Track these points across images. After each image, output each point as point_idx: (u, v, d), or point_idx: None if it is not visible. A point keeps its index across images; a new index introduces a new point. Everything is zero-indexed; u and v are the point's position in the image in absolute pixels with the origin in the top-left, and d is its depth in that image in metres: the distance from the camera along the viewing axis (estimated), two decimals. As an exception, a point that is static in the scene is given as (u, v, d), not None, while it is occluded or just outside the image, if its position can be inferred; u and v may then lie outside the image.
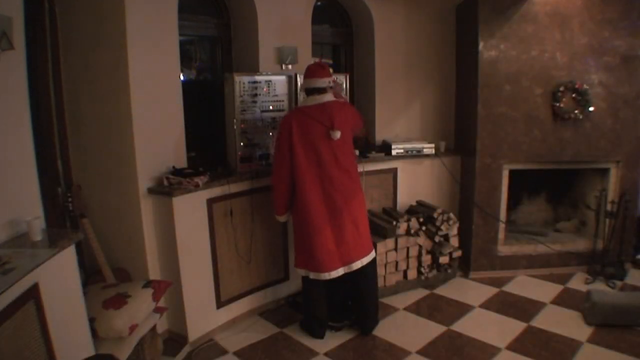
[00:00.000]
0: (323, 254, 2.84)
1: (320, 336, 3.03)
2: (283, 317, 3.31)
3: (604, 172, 3.90)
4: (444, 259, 3.72)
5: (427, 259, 3.70)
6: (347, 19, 4.17)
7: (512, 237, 4.07)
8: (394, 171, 3.95)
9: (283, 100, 3.29)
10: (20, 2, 1.98)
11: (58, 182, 2.80)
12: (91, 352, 2.12)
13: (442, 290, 3.70)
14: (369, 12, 3.93)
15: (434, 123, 4.35)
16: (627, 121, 3.73)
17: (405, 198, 4.04)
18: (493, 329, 3.09)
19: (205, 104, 3.46)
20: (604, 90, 3.69)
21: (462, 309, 3.39)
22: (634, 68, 3.65)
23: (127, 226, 2.87)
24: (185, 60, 3.41)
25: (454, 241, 3.80)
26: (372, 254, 3.02)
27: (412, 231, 3.61)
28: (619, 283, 3.65)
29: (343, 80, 3.51)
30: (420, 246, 3.65)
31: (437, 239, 3.71)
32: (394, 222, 3.52)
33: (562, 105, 3.66)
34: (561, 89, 3.64)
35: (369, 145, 3.94)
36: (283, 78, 3.28)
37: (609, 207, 3.83)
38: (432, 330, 3.11)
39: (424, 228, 3.69)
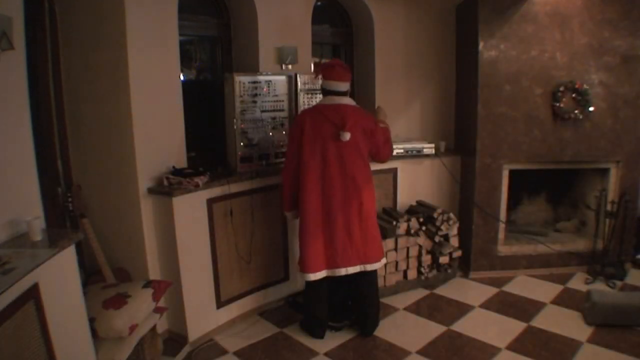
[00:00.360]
0: (310, 254, 2.84)
1: (320, 336, 3.03)
2: (283, 317, 3.31)
3: (604, 172, 3.90)
4: (444, 259, 3.72)
5: (427, 259, 3.70)
6: (347, 19, 4.17)
7: (512, 237, 4.07)
8: (394, 171, 3.95)
9: (283, 100, 3.29)
10: (20, 2, 1.98)
11: (58, 182, 2.80)
12: (91, 352, 2.12)
13: (442, 290, 3.70)
14: (369, 12, 3.93)
15: (434, 123, 4.35)
16: (627, 121, 3.73)
17: (405, 198, 4.04)
18: (493, 329, 3.09)
19: (205, 104, 3.46)
20: (604, 90, 3.69)
21: (462, 309, 3.39)
22: (634, 68, 3.65)
23: (127, 226, 2.87)
24: (185, 60, 3.40)
25: (454, 241, 3.80)
26: (367, 265, 2.90)
27: (412, 231, 3.61)
28: (619, 283, 3.65)
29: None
30: (420, 246, 3.65)
31: (437, 239, 3.71)
32: (394, 222, 3.52)
33: (562, 105, 3.66)
34: (561, 89, 3.64)
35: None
36: (283, 78, 3.28)
37: (609, 207, 3.83)
38: (432, 330, 3.11)
39: (424, 228, 3.69)
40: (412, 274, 3.67)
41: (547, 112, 3.72)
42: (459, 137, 4.24)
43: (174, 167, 2.90)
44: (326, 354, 2.87)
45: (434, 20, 4.18)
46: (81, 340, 2.08)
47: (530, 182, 4.29)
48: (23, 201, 1.99)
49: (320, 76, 2.91)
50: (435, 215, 3.69)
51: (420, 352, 2.85)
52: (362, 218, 2.87)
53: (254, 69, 3.33)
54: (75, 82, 2.82)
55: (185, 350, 2.90)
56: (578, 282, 3.74)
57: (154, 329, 2.56)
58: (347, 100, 2.87)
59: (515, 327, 3.10)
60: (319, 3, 3.71)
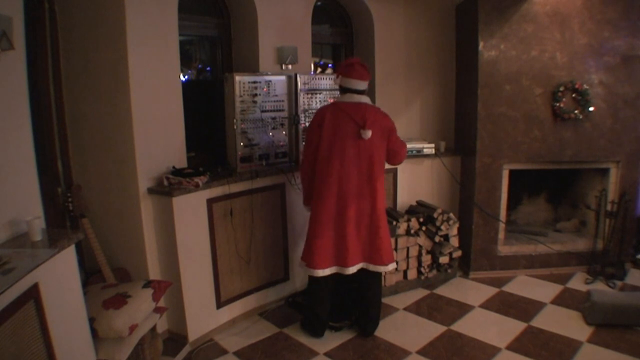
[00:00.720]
0: (318, 250, 2.84)
1: (320, 335, 3.03)
2: (283, 317, 3.31)
3: (604, 172, 3.90)
4: (444, 259, 3.72)
5: (427, 259, 3.70)
6: (347, 19, 4.18)
7: (512, 237, 4.07)
8: (394, 171, 3.95)
9: (283, 101, 3.29)
10: (20, 2, 1.97)
11: (58, 182, 2.80)
12: (91, 352, 2.12)
13: (442, 290, 3.70)
14: (369, 12, 3.93)
15: (434, 123, 4.35)
16: (627, 121, 3.73)
17: (405, 198, 4.04)
18: (493, 329, 3.09)
19: (205, 104, 3.46)
20: (604, 90, 3.69)
21: (462, 309, 3.39)
22: (633, 68, 3.66)
23: (127, 226, 2.87)
24: (185, 60, 3.41)
25: (454, 241, 3.80)
26: (371, 265, 2.90)
27: (412, 231, 3.61)
28: (619, 283, 3.65)
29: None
30: (420, 246, 3.65)
31: (437, 239, 3.71)
32: (394, 222, 3.52)
33: (562, 105, 3.66)
34: (561, 89, 3.65)
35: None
36: (283, 78, 3.28)
37: (609, 207, 3.83)
38: (432, 330, 3.11)
39: (424, 228, 3.69)
40: (412, 274, 3.67)
41: (547, 112, 3.72)
42: (459, 137, 4.24)
43: (174, 167, 2.90)
44: (326, 354, 2.87)
45: (434, 20, 4.18)
46: (81, 340, 2.08)
47: (530, 182, 4.29)
48: (23, 201, 1.99)
49: (338, 75, 2.88)
50: (435, 215, 3.69)
51: (420, 352, 2.85)
52: (372, 219, 2.86)
53: (254, 69, 3.33)
54: (75, 82, 2.82)
55: (185, 350, 2.90)
56: (578, 282, 3.74)
57: (154, 329, 2.56)
58: (366, 99, 2.86)
59: (515, 327, 3.10)
60: (319, 3, 3.71)
